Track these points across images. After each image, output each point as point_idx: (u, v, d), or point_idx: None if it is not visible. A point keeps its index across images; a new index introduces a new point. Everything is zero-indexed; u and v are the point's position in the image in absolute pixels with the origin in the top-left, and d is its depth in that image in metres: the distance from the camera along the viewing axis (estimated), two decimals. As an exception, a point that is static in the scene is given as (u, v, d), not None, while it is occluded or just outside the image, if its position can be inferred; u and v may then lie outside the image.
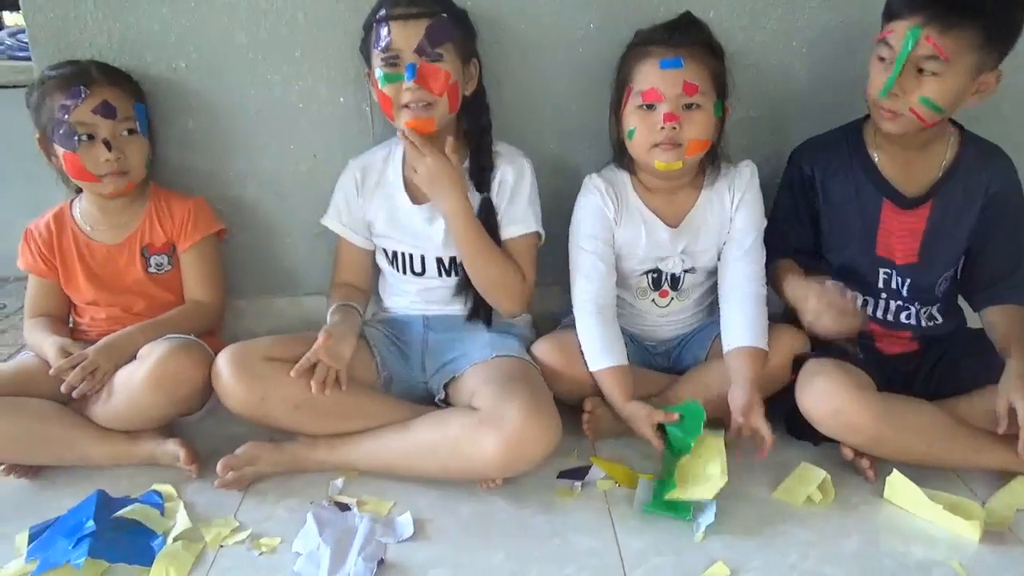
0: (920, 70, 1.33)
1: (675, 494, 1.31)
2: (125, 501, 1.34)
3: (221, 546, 1.27)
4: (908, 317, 1.53)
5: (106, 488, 1.36)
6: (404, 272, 1.61)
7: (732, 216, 1.52)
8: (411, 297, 1.63)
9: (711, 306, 1.62)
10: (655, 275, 1.57)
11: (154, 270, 1.61)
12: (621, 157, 1.54)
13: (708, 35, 1.45)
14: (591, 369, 1.48)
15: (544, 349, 1.54)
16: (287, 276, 1.83)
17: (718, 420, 1.43)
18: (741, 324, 1.48)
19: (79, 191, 1.62)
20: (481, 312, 1.59)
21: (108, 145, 1.49)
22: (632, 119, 1.44)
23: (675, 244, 1.54)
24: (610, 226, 1.53)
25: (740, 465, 1.40)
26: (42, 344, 1.51)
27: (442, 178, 1.47)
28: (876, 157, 1.49)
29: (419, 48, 1.41)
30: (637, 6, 1.60)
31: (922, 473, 1.36)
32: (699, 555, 1.23)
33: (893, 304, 1.53)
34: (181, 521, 1.31)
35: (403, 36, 1.41)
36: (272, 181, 1.75)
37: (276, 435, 1.46)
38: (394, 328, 1.62)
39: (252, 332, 1.72)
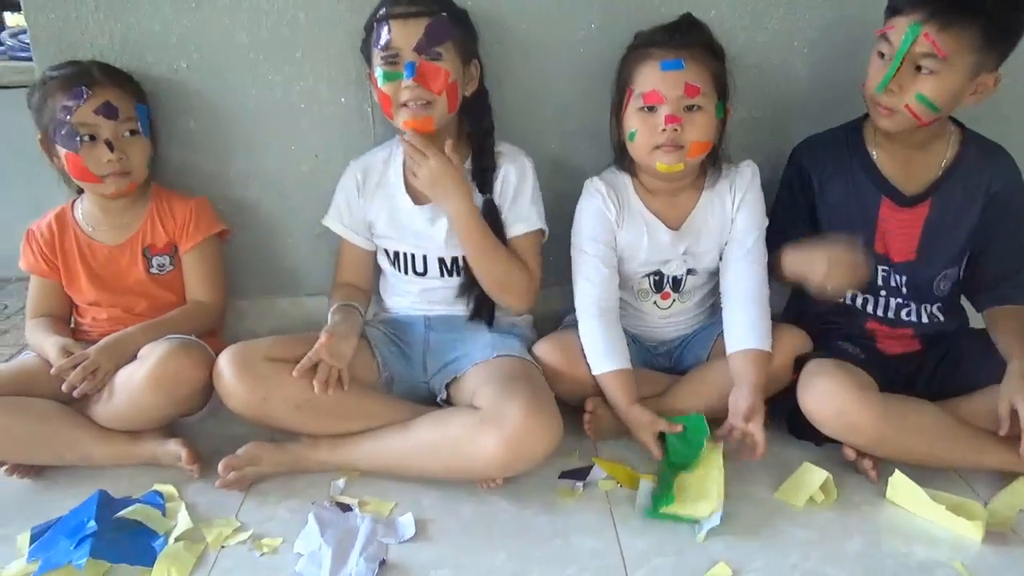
0: (918, 68, 1.33)
1: (672, 508, 1.30)
2: (126, 501, 1.35)
3: (223, 546, 1.27)
4: (909, 314, 1.53)
5: (107, 488, 1.36)
6: (406, 272, 1.61)
7: (733, 216, 1.52)
8: (413, 297, 1.63)
9: (713, 307, 1.62)
10: (657, 277, 1.57)
11: (156, 271, 1.61)
12: (622, 159, 1.53)
13: (709, 36, 1.45)
14: (594, 372, 1.48)
15: (545, 349, 1.54)
16: (289, 276, 1.83)
17: (718, 421, 1.43)
18: (744, 326, 1.48)
19: (80, 192, 1.62)
20: (483, 312, 1.59)
21: (110, 146, 1.49)
22: (633, 121, 1.44)
23: (677, 246, 1.54)
24: (612, 229, 1.52)
25: (742, 466, 1.41)
26: (43, 344, 1.51)
27: (445, 180, 1.47)
28: (875, 155, 1.49)
29: (418, 46, 1.41)
30: (639, 6, 1.60)
31: (924, 473, 1.36)
32: (701, 556, 1.23)
33: (893, 302, 1.52)
34: (182, 521, 1.31)
35: (403, 35, 1.42)
36: (273, 181, 1.75)
37: (277, 435, 1.46)
38: (395, 328, 1.62)
39: (254, 332, 1.72)
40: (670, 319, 1.62)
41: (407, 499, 1.37)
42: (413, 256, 1.60)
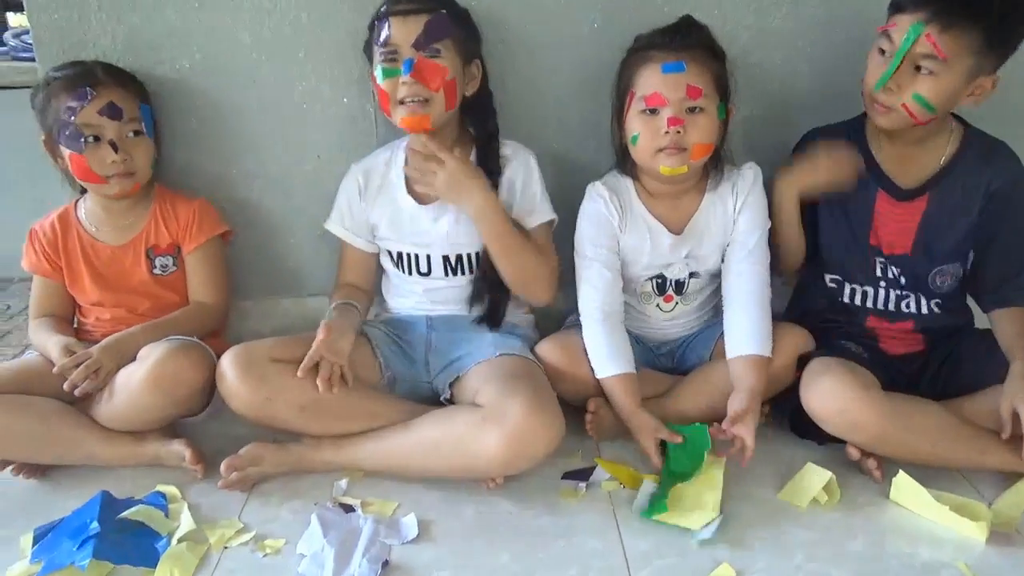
0: (918, 67, 1.33)
1: (664, 517, 1.29)
2: (129, 502, 1.35)
3: (225, 547, 1.27)
4: (909, 305, 1.52)
5: (110, 489, 1.36)
6: (409, 273, 1.61)
7: (735, 219, 1.52)
8: (416, 298, 1.63)
9: (716, 307, 1.61)
10: (659, 280, 1.57)
11: (159, 271, 1.61)
12: (623, 163, 1.53)
13: (709, 38, 1.44)
14: (598, 376, 1.48)
15: (548, 349, 1.54)
16: (292, 277, 1.83)
17: (721, 421, 1.42)
18: (745, 330, 1.48)
19: (83, 191, 1.62)
20: (495, 317, 1.59)
21: (114, 147, 1.50)
22: (635, 124, 1.44)
23: (679, 250, 1.53)
24: (614, 233, 1.52)
25: (746, 467, 1.40)
26: (46, 344, 1.51)
27: (464, 179, 1.47)
28: (875, 148, 1.49)
29: (416, 43, 1.41)
30: (641, 5, 1.60)
31: (928, 474, 1.35)
32: (704, 557, 1.23)
33: (892, 293, 1.52)
34: (185, 522, 1.31)
35: (402, 31, 1.42)
36: (276, 181, 1.75)
37: (280, 436, 1.46)
38: (397, 328, 1.62)
39: (257, 333, 1.72)
40: (673, 321, 1.62)
41: (410, 500, 1.37)
42: (416, 256, 1.60)
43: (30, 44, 1.68)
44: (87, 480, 1.43)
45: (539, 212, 1.55)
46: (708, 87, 1.40)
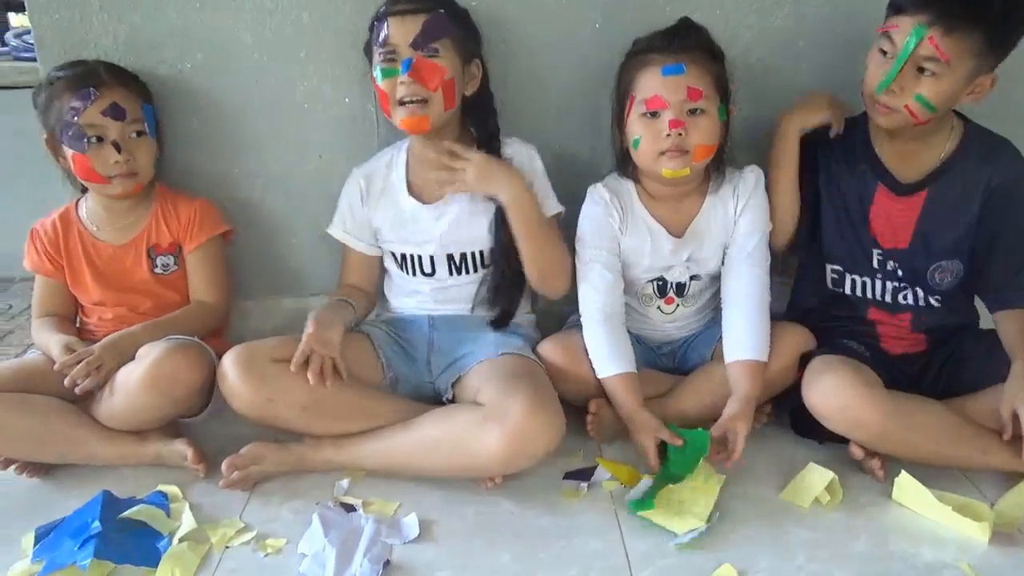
0: (920, 69, 1.33)
1: (651, 515, 1.29)
2: (131, 502, 1.35)
3: (227, 547, 1.27)
4: (906, 298, 1.52)
5: (111, 489, 1.36)
6: (413, 274, 1.61)
7: (736, 221, 1.52)
8: (421, 297, 1.63)
9: (718, 308, 1.60)
10: (660, 283, 1.57)
11: (160, 271, 1.61)
12: (624, 167, 1.53)
13: (708, 39, 1.44)
14: (599, 376, 1.48)
15: (549, 349, 1.54)
16: (293, 276, 1.83)
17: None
18: (743, 334, 1.48)
19: (84, 191, 1.62)
20: (508, 316, 1.59)
21: (117, 147, 1.50)
22: (636, 128, 1.43)
23: (680, 253, 1.53)
24: (615, 235, 1.52)
25: (747, 466, 1.41)
26: (48, 342, 1.51)
27: (493, 170, 1.47)
28: (877, 144, 1.49)
29: (414, 42, 1.42)
30: (642, 5, 1.60)
31: (930, 474, 1.35)
32: (705, 557, 1.23)
33: (890, 285, 1.52)
34: (187, 522, 1.31)
35: (400, 31, 1.42)
36: (277, 181, 1.75)
37: (281, 435, 1.46)
38: (398, 328, 1.62)
39: (258, 332, 1.72)
40: (674, 322, 1.62)
41: (411, 500, 1.37)
42: (419, 257, 1.59)
43: (31, 44, 1.68)
44: (88, 479, 1.43)
45: (547, 205, 1.55)
46: (708, 88, 1.40)
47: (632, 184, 1.54)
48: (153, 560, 1.23)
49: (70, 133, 1.48)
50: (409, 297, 1.65)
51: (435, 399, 1.53)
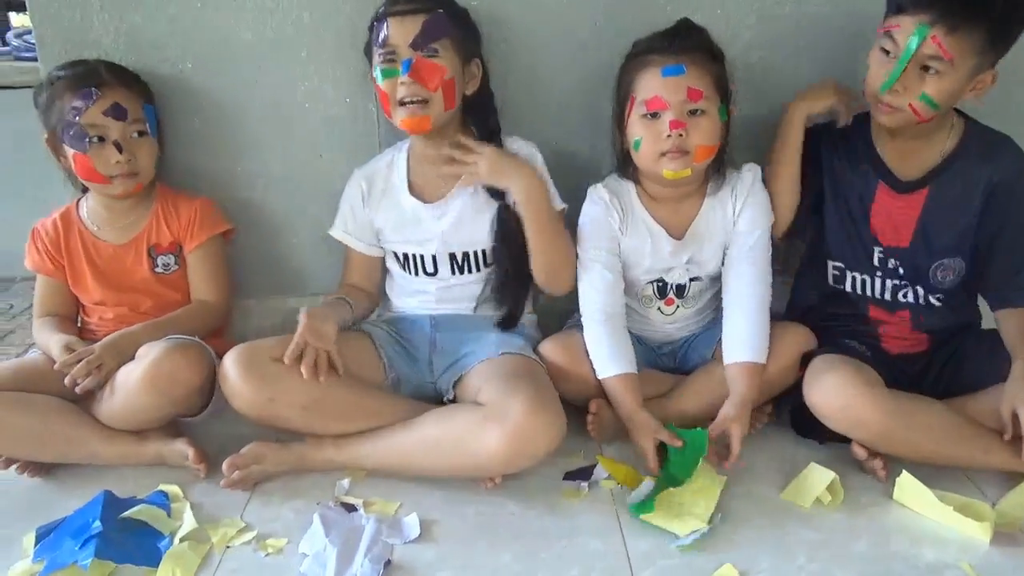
0: (924, 68, 1.33)
1: (652, 517, 1.29)
2: (131, 502, 1.35)
3: (227, 547, 1.27)
4: (905, 296, 1.52)
5: (112, 488, 1.36)
6: (416, 274, 1.61)
7: (735, 220, 1.52)
8: (424, 297, 1.63)
9: (718, 308, 1.60)
10: (660, 285, 1.56)
11: (161, 270, 1.61)
12: (625, 168, 1.53)
13: (708, 40, 1.44)
14: (599, 376, 1.48)
15: (550, 349, 1.54)
16: (295, 275, 1.83)
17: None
18: (742, 335, 1.48)
19: (85, 190, 1.62)
20: (516, 315, 1.59)
21: (119, 147, 1.50)
22: (637, 129, 1.43)
23: (679, 255, 1.53)
24: (615, 236, 1.52)
25: (748, 466, 1.40)
26: (48, 342, 1.52)
27: (504, 163, 1.47)
28: (878, 142, 1.49)
29: (414, 43, 1.42)
30: (644, 5, 1.60)
31: (932, 474, 1.35)
32: (706, 557, 1.22)
33: (889, 283, 1.52)
34: (187, 522, 1.31)
35: (400, 32, 1.42)
36: (279, 181, 1.75)
37: (282, 435, 1.46)
38: (399, 328, 1.61)
39: (260, 332, 1.72)
40: (675, 324, 1.62)
41: (412, 499, 1.37)
42: (422, 257, 1.59)
43: (32, 44, 1.68)
44: (89, 479, 1.43)
45: (552, 202, 1.54)
46: (709, 89, 1.40)
47: (632, 185, 1.54)
48: (154, 560, 1.23)
49: (71, 133, 1.48)
50: (411, 297, 1.65)
51: (437, 399, 1.53)
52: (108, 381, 1.44)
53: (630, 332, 1.54)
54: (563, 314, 1.69)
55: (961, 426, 1.37)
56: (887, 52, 1.36)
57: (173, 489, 1.40)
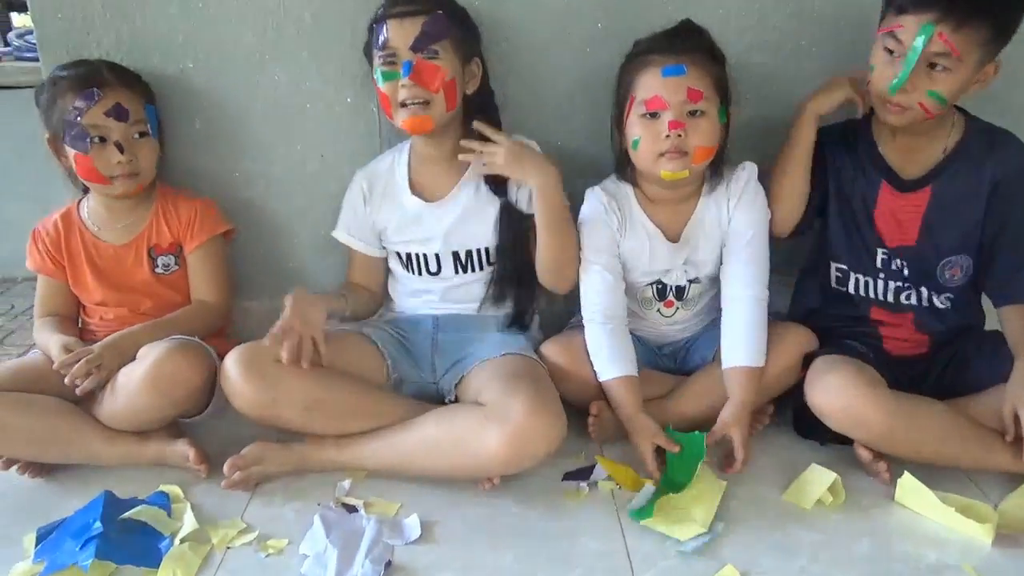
0: (932, 65, 1.33)
1: (652, 523, 1.29)
2: (132, 502, 1.34)
3: (228, 548, 1.27)
4: (908, 298, 1.52)
5: (113, 489, 1.36)
6: (419, 274, 1.61)
7: (730, 218, 1.51)
8: (427, 296, 1.63)
9: (719, 309, 1.60)
10: (659, 286, 1.56)
11: (161, 270, 1.61)
12: (623, 169, 1.53)
13: (709, 41, 1.44)
14: (600, 378, 1.48)
15: (551, 350, 1.54)
16: (296, 276, 1.82)
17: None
18: (740, 338, 1.47)
19: (86, 191, 1.62)
20: (524, 314, 1.59)
21: (120, 148, 1.50)
22: (636, 129, 1.43)
23: (676, 257, 1.53)
24: (614, 238, 1.52)
25: (749, 467, 1.40)
26: (48, 342, 1.52)
27: (523, 155, 1.46)
28: (880, 141, 1.49)
29: (414, 45, 1.42)
30: (645, 5, 1.60)
31: (933, 475, 1.35)
32: (708, 558, 1.22)
33: (892, 284, 1.52)
34: (188, 522, 1.31)
35: (400, 34, 1.42)
36: (280, 181, 1.75)
37: (283, 435, 1.46)
38: (401, 328, 1.61)
39: (261, 332, 1.70)
40: (674, 325, 1.62)
41: (412, 500, 1.37)
42: (424, 256, 1.60)
43: (34, 44, 1.68)
44: (90, 480, 1.43)
45: None
46: (709, 90, 1.40)
47: (630, 187, 1.54)
48: (155, 561, 1.23)
49: (73, 133, 1.48)
50: (414, 297, 1.65)
51: (439, 400, 1.53)
52: (108, 382, 1.44)
53: (631, 332, 1.53)
54: (564, 315, 1.69)
55: (963, 427, 1.37)
56: (891, 52, 1.36)
57: (174, 490, 1.40)
